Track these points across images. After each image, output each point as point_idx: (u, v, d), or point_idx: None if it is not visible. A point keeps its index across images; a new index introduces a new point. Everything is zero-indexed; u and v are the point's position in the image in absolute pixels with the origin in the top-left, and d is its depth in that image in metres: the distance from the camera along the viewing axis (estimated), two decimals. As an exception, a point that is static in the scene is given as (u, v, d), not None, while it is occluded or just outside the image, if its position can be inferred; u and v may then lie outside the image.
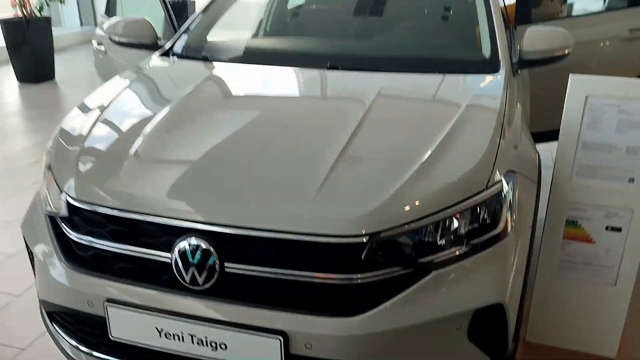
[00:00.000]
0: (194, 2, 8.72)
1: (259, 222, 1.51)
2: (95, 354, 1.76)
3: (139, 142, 1.82)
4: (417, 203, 1.53)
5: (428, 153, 1.67)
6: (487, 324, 1.61)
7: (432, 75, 2.23)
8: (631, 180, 1.98)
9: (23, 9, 6.57)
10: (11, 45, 6.74)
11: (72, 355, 1.85)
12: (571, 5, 5.61)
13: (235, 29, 3.30)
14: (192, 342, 1.57)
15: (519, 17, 3.38)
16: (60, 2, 6.92)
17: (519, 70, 2.56)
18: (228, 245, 1.53)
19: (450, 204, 1.56)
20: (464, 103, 1.95)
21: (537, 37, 2.43)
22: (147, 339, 1.61)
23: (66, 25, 9.85)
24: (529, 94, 2.82)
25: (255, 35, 3.41)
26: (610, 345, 2.21)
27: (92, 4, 9.63)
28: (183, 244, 1.54)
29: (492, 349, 1.66)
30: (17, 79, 6.97)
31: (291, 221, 1.50)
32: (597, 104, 1.93)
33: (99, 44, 3.53)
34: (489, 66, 2.28)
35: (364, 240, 1.48)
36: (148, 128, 1.89)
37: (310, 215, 1.50)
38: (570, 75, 1.94)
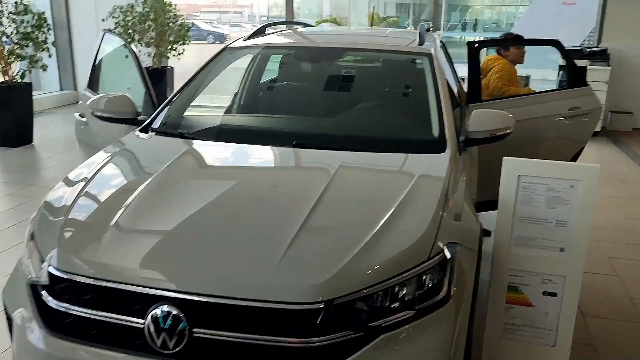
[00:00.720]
0: (173, 68, 9.09)
1: (225, 290, 1.69)
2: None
3: (117, 214, 2.00)
4: (367, 272, 1.73)
5: (378, 226, 1.88)
6: (432, 383, 1.78)
7: (386, 155, 2.49)
8: (562, 249, 2.22)
9: (5, 74, 6.79)
10: (-7, 110, 6.89)
11: None
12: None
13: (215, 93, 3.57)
14: (163, 404, 1.70)
15: (471, 97, 3.73)
16: (43, 69, 7.16)
17: (466, 148, 2.84)
18: (197, 311, 1.70)
19: (396, 273, 1.76)
20: (412, 180, 2.19)
21: (480, 119, 2.73)
22: (120, 401, 1.74)
23: (46, 88, 10.08)
24: (476, 168, 3.10)
25: (230, 107, 3.67)
26: (553, 404, 2.39)
27: (73, 69, 9.91)
28: (155, 311, 1.70)
29: (437, 410, 1.82)
30: (-5, 143, 7.07)
31: (254, 290, 1.68)
32: (529, 182, 2.19)
33: (81, 115, 3.74)
34: (436, 146, 2.55)
35: (320, 306, 1.66)
36: (126, 201, 2.08)
37: (271, 283, 1.69)
38: (504, 158, 2.21)
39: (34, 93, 7.37)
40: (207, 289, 1.70)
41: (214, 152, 2.62)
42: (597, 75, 8.17)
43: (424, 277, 1.81)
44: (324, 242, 1.86)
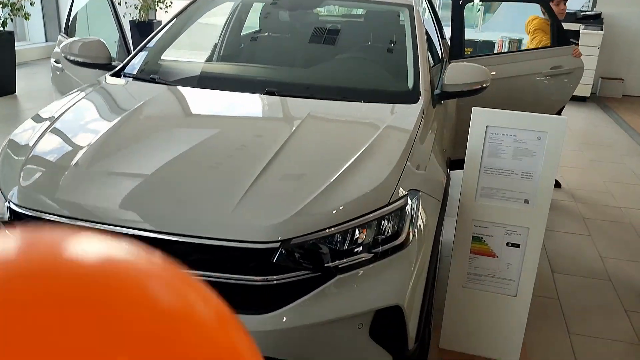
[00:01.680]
0: (161, 21, 8.92)
1: (183, 228, 1.70)
2: None
3: (79, 153, 1.99)
4: (326, 215, 1.75)
5: (340, 171, 1.89)
6: (386, 324, 1.82)
7: (357, 104, 2.47)
8: (526, 201, 2.24)
9: (-14, 23, 6.64)
10: (-27, 58, 6.78)
11: None
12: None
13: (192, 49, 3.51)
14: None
15: (453, 53, 3.69)
16: (25, 17, 7.00)
17: (441, 101, 2.83)
18: (154, 249, 1.71)
19: (355, 216, 1.77)
20: (379, 129, 2.19)
21: (456, 72, 2.71)
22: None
23: (31, 39, 9.88)
24: (452, 123, 3.09)
25: (210, 58, 3.62)
26: (512, 352, 2.45)
27: (58, 20, 9.71)
28: None
29: (393, 348, 1.86)
30: (-23, 92, 6.99)
31: (212, 228, 1.70)
32: (497, 133, 2.19)
33: (57, 61, 3.68)
34: (410, 97, 2.54)
35: (277, 246, 1.68)
36: (90, 141, 2.06)
37: (229, 223, 1.70)
38: (473, 108, 2.20)
39: (18, 44, 7.24)
40: (165, 226, 1.71)
41: (182, 98, 2.59)
42: (589, 39, 8.10)
43: (383, 222, 1.83)
44: (284, 185, 1.86)
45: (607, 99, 8.59)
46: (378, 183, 1.87)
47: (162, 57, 3.03)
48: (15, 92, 7.16)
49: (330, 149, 2.08)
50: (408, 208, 1.90)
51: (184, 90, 2.65)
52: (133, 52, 2.98)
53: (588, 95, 8.41)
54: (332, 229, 1.74)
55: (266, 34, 3.54)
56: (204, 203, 1.76)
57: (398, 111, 2.41)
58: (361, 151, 2.01)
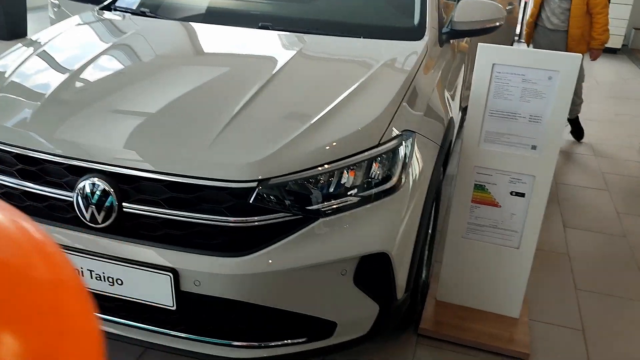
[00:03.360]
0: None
1: (156, 165, 1.59)
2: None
3: (54, 86, 1.88)
4: (308, 154, 1.62)
5: (328, 109, 1.75)
6: (373, 272, 1.71)
7: (355, 39, 2.30)
8: (534, 147, 2.07)
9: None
10: (-17, 1, 6.68)
11: None
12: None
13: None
14: (91, 277, 1.66)
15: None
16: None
17: (450, 40, 2.64)
18: (127, 186, 1.62)
19: (341, 156, 1.64)
20: (376, 66, 2.03)
21: (467, 9, 2.51)
22: (50, 272, 1.70)
23: (45, -16, 9.73)
24: (462, 65, 2.90)
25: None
26: (513, 306, 2.34)
27: (72, -36, 9.50)
28: (83, 184, 1.62)
29: (379, 297, 1.76)
30: (-11, 35, 6.92)
31: (186, 165, 1.59)
32: (503, 72, 2.01)
33: (54, -2, 3.55)
34: (414, 34, 2.35)
35: (253, 185, 1.56)
36: (66, 74, 1.95)
37: (204, 160, 1.58)
38: (479, 45, 2.02)
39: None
40: (137, 163, 1.60)
41: (169, 31, 2.44)
42: (623, -13, 7.63)
43: (373, 164, 1.70)
44: (266, 121, 1.72)
45: (639, 51, 8.16)
46: (368, 122, 1.73)
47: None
48: (26, 35, 7.07)
49: (320, 86, 1.93)
50: (401, 150, 1.76)
51: (173, 24, 2.50)
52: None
53: (619, 47, 8.00)
54: (316, 169, 1.61)
55: None
56: (179, 139, 1.65)
57: (399, 48, 2.23)
58: (352, 88, 1.86)
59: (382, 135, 1.72)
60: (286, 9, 2.67)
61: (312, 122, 1.69)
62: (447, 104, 2.29)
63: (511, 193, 2.17)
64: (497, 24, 2.54)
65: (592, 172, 4.01)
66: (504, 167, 2.13)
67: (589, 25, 4.23)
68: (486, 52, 2.01)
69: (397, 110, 1.82)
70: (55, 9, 3.55)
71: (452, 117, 2.30)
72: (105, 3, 2.70)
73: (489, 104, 2.06)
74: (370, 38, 2.32)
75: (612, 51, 8.07)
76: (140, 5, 2.68)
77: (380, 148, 1.70)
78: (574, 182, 3.81)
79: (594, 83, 6.49)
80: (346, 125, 1.71)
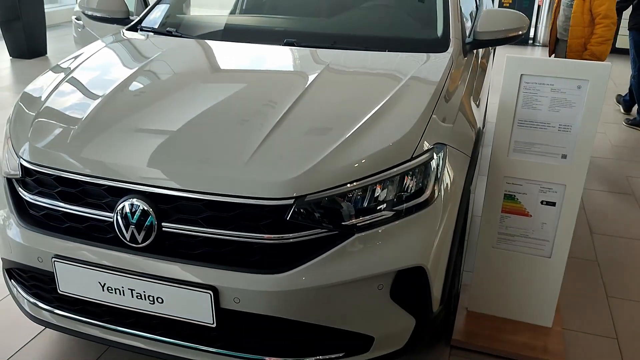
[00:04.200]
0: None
1: (194, 184, 1.62)
2: (46, 307, 1.88)
3: (91, 107, 1.92)
4: (343, 170, 1.63)
5: (359, 124, 1.76)
6: (409, 286, 1.72)
7: (381, 53, 2.32)
8: (564, 156, 2.07)
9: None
10: (4, 21, 6.81)
11: (28, 311, 1.97)
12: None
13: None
14: (132, 295, 1.69)
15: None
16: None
17: (474, 50, 2.65)
18: (165, 206, 1.64)
19: (375, 171, 1.66)
20: (405, 79, 2.04)
21: (490, 19, 2.52)
22: (91, 292, 1.73)
23: (61, 1, 9.89)
24: (485, 73, 2.91)
25: (232, 11, 3.49)
26: (546, 315, 2.32)
27: (88, -19, 9.66)
28: (123, 205, 1.65)
29: (416, 310, 1.77)
30: (10, 54, 7.05)
31: (223, 184, 1.61)
32: (532, 82, 2.01)
33: (77, 19, 3.61)
34: (438, 45, 2.36)
35: (290, 202, 1.58)
36: (101, 96, 1.99)
37: (240, 178, 1.61)
38: (507, 56, 2.02)
39: (48, 6, 7.24)
40: (175, 182, 1.63)
41: (198, 51, 2.48)
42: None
43: (406, 178, 1.71)
44: (299, 138, 1.74)
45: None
46: (400, 136, 1.74)
47: (181, 11, 2.91)
48: (46, 53, 7.19)
49: (350, 101, 1.95)
50: (433, 163, 1.77)
51: (200, 43, 2.54)
52: (150, 5, 2.87)
53: (636, 47, 7.91)
54: (350, 185, 1.63)
55: None
56: (216, 158, 1.67)
57: (425, 61, 2.25)
58: (383, 103, 1.88)
59: (415, 149, 1.73)
60: (310, 25, 2.70)
61: (345, 138, 1.71)
62: (475, 115, 2.30)
63: (542, 202, 2.17)
64: (520, 32, 2.54)
65: (616, 176, 3.98)
66: (534, 177, 2.13)
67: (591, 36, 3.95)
68: (514, 63, 2.02)
69: (427, 124, 1.83)
70: (79, 29, 3.62)
71: (480, 128, 2.30)
72: (132, 24, 2.74)
73: (517, 114, 2.07)
74: (396, 51, 2.33)
75: (627, 52, 7.99)
76: (166, 25, 2.72)
77: (412, 162, 1.72)
78: (598, 187, 3.78)
79: (611, 84, 6.44)
80: (378, 140, 1.72)
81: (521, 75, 2.02)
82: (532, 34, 8.62)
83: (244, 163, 1.63)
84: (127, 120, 1.87)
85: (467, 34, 2.60)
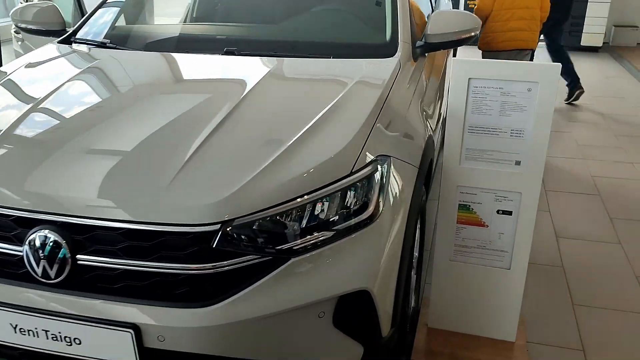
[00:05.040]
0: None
1: (110, 212, 1.47)
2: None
3: (4, 126, 1.76)
4: (275, 189, 1.50)
5: (295, 138, 1.63)
6: (353, 311, 1.58)
7: (324, 60, 2.20)
8: (518, 163, 1.97)
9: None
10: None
11: None
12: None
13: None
14: (47, 337, 1.52)
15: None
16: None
17: (425, 54, 2.55)
18: (80, 236, 1.49)
19: (311, 189, 1.53)
20: (347, 87, 1.92)
21: (441, 21, 2.42)
22: (2, 335, 1.56)
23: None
24: (440, 76, 2.80)
25: (182, 21, 3.34)
26: (508, 330, 2.21)
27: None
28: (33, 237, 1.48)
29: (363, 337, 1.63)
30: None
31: (142, 211, 1.46)
32: (480, 86, 1.90)
33: (17, 32, 3.43)
34: (386, 50, 2.25)
35: (217, 228, 1.44)
36: (11, 117, 1.83)
37: (160, 203, 1.46)
38: (453, 59, 1.92)
39: (2, 20, 6.99)
40: (89, 210, 1.47)
41: (128, 63, 2.32)
42: (600, -15, 7.62)
43: (346, 194, 1.58)
44: (229, 156, 1.60)
45: (620, 48, 8.15)
46: (339, 149, 1.61)
47: (118, 21, 2.76)
48: (0, 66, 6.94)
49: (287, 113, 1.82)
50: (376, 176, 1.64)
51: (132, 55, 2.38)
52: (84, 17, 2.71)
53: (600, 45, 7.98)
54: (284, 205, 1.49)
55: None
56: (135, 182, 1.52)
57: (370, 66, 2.13)
58: (321, 114, 1.75)
59: (355, 163, 1.61)
60: (253, 32, 2.57)
61: (279, 153, 1.58)
62: (425, 122, 2.18)
63: (498, 212, 2.06)
64: (472, 34, 2.45)
65: (581, 176, 3.92)
66: (489, 185, 2.02)
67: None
68: (461, 67, 1.90)
69: (370, 134, 1.71)
70: (19, 42, 3.44)
71: (430, 135, 2.19)
72: (64, 36, 2.58)
73: (467, 120, 1.96)
74: (341, 57, 2.21)
75: (593, 50, 8.04)
76: (100, 36, 2.56)
77: (353, 177, 1.59)
78: (563, 189, 3.71)
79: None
80: (315, 155, 1.59)
81: (469, 79, 1.91)
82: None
83: (165, 186, 1.48)
84: (39, 142, 1.71)
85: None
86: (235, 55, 2.27)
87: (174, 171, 1.51)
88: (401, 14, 2.42)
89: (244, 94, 1.87)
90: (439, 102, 2.83)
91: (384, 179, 1.68)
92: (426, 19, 2.91)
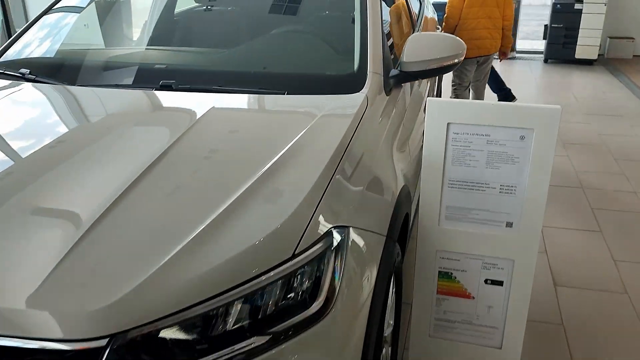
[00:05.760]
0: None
1: None
2: None
3: None
4: (185, 287, 1.13)
5: (218, 213, 1.26)
6: None
7: (275, 97, 1.83)
8: (509, 224, 1.61)
9: None
10: None
11: None
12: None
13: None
14: None
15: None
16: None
17: (402, 85, 2.19)
18: None
19: (236, 283, 1.16)
20: (295, 137, 1.55)
21: (418, 46, 2.07)
22: None
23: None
24: (421, 109, 2.44)
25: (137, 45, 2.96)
26: (500, 416, 1.85)
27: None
28: None
29: None
30: None
31: (6, 324, 1.08)
32: (462, 133, 1.55)
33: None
34: (352, 83, 1.89)
35: (104, 343, 1.07)
36: None
37: (27, 313, 1.09)
38: (428, 100, 1.56)
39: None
40: None
41: (35, 102, 1.92)
42: (594, -5, 7.32)
43: (287, 284, 1.21)
44: (124, 244, 1.21)
45: (616, 60, 7.84)
46: (276, 226, 1.24)
47: (43, 46, 2.38)
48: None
49: (214, 175, 1.43)
50: (329, 257, 1.28)
51: (47, 90, 1.98)
52: (7, 43, 2.34)
53: (595, 57, 7.67)
54: (197, 307, 1.12)
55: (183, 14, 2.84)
56: (2, 281, 1.14)
57: (330, 106, 1.76)
58: (259, 175, 1.38)
59: (300, 241, 1.24)
60: (197, 60, 2.19)
61: (194, 235, 1.20)
62: (398, 170, 1.82)
63: (486, 281, 1.70)
64: (457, 60, 2.10)
65: (580, 208, 3.56)
66: (474, 250, 1.67)
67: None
68: (438, 109, 1.55)
69: (322, 199, 1.34)
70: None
71: (405, 185, 1.82)
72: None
73: (447, 173, 1.60)
74: (297, 94, 1.84)
75: (587, 62, 7.74)
76: (20, 65, 2.18)
77: (296, 260, 1.22)
78: (560, 224, 3.35)
79: (572, 99, 6.12)
80: (245, 234, 1.22)
81: (448, 123, 1.55)
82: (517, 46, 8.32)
83: (35, 290, 1.10)
84: None
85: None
86: (172, 90, 1.89)
87: (49, 267, 1.13)
88: (372, 38, 2.06)
89: (161, 152, 1.48)
90: (421, 140, 2.47)
91: (340, 258, 1.31)
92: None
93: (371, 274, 1.42)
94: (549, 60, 7.94)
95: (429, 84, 3.02)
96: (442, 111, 1.54)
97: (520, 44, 8.56)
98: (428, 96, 2.95)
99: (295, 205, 1.29)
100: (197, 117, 1.66)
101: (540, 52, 8.17)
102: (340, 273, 1.30)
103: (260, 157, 1.44)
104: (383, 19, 2.21)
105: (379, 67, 1.99)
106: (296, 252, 1.23)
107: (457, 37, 2.15)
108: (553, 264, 2.92)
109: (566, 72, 7.47)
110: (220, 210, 1.26)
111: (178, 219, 1.26)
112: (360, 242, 1.40)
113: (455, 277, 1.71)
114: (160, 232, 1.23)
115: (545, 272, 2.84)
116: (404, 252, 1.98)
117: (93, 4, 2.62)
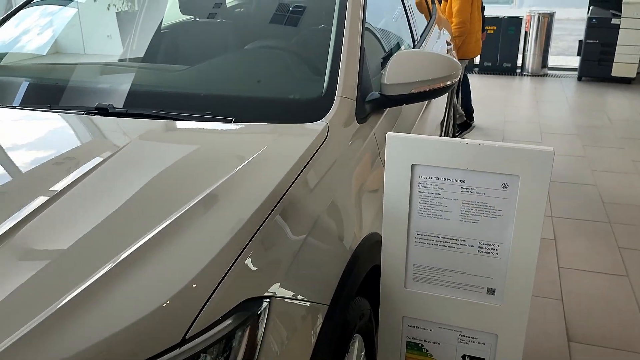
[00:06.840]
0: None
1: None
2: None
3: None
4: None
5: (98, 274, 0.99)
6: None
7: (217, 126, 1.55)
8: (490, 291, 1.29)
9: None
10: None
11: None
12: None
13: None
14: None
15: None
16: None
17: (383, 109, 1.90)
18: None
19: None
20: (221, 178, 1.26)
21: (404, 66, 1.78)
22: None
23: None
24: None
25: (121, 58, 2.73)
26: None
27: None
28: None
29: None
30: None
31: None
32: (430, 177, 1.24)
33: None
34: (314, 111, 1.60)
35: None
36: None
37: None
38: (387, 134, 1.26)
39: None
40: None
41: None
42: (632, 10, 6.85)
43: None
44: None
45: (656, 79, 7.33)
46: (161, 302, 0.96)
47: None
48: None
49: (97, 232, 1.13)
50: (243, 340, 0.99)
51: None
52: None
53: (633, 76, 7.17)
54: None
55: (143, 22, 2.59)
56: None
57: (279, 138, 1.48)
58: (155, 232, 1.10)
59: (192, 322, 0.96)
60: (144, 80, 1.93)
61: (60, 306, 0.94)
62: (365, 215, 1.51)
63: (464, 358, 1.38)
64: (449, 82, 1.80)
65: (606, 248, 3.16)
66: (448, 320, 1.35)
67: None
68: (399, 148, 1.25)
69: (234, 263, 1.06)
70: None
71: (374, 233, 1.51)
72: None
73: (413, 226, 1.29)
74: (249, 121, 1.57)
75: (625, 81, 7.25)
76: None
77: (185, 348, 0.94)
78: (579, 266, 2.97)
79: (606, 121, 5.67)
80: (123, 308, 0.95)
81: (412, 165, 1.25)
82: (519, 63, 7.90)
83: None
84: None
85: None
86: (107, 115, 1.64)
87: None
88: (346, 55, 1.77)
89: (51, 195, 1.22)
90: None
91: (256, 338, 1.02)
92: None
93: (304, 351, 1.12)
94: (583, 78, 7.48)
95: (434, 102, 2.71)
96: (405, 149, 1.23)
97: (553, 60, 8.13)
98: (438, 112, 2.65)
99: (195, 272, 1.01)
100: (111, 153, 1.39)
101: (575, 69, 7.71)
102: (255, 356, 1.02)
103: (168, 207, 1.17)
104: (364, 33, 1.91)
105: (351, 91, 1.70)
106: (187, 337, 0.94)
107: (451, 57, 1.86)
108: (569, 315, 2.55)
109: (601, 91, 7.00)
110: (94, 278, 0.98)
111: (41, 285, 0.99)
112: (290, 314, 1.10)
113: (427, 350, 1.40)
114: (24, 298, 0.96)
115: (558, 323, 2.48)
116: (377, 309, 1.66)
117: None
